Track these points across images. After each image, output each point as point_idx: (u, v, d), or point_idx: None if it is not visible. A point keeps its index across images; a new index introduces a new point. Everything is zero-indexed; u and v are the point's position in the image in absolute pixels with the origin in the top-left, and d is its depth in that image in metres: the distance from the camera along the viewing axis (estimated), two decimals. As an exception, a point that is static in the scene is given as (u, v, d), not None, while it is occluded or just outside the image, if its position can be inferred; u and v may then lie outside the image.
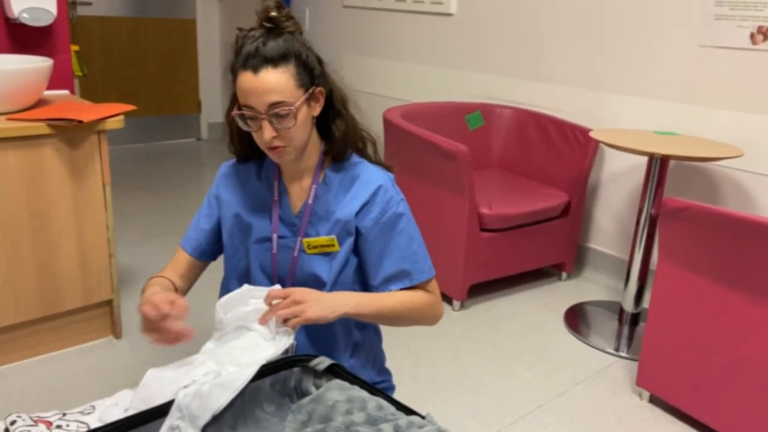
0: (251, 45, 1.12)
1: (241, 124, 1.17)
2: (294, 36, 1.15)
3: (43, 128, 1.88)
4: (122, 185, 3.92)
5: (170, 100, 5.11)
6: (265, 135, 1.14)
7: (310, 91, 1.17)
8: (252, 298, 1.17)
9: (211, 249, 1.38)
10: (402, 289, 1.27)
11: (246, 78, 1.11)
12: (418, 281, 1.28)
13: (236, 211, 1.31)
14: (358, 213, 1.24)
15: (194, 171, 4.46)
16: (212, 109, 5.33)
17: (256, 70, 1.10)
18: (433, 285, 1.32)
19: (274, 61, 1.11)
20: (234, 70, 1.14)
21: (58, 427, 1.02)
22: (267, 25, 1.14)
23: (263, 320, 1.13)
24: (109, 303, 2.22)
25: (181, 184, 4.11)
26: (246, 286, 1.18)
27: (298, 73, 1.14)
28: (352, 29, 4.04)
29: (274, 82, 1.11)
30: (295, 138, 1.17)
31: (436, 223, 2.59)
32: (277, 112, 1.12)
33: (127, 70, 4.81)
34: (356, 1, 3.94)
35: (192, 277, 1.38)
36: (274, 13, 1.14)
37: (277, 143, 1.16)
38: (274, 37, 1.13)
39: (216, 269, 1.44)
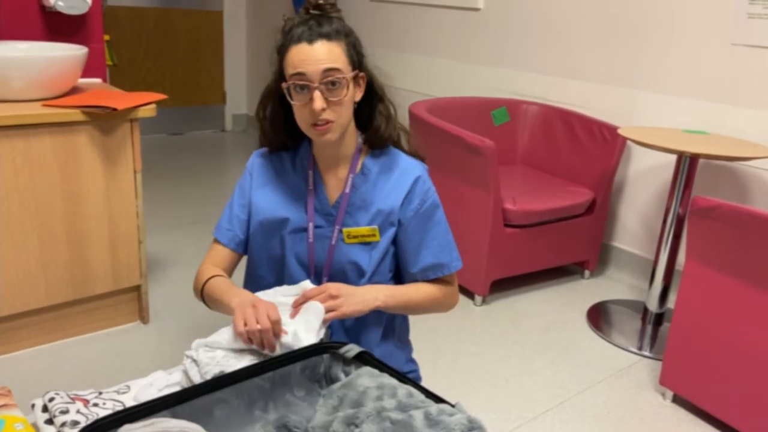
0: (304, 25, 1.15)
1: (288, 96, 1.17)
2: (341, 22, 1.20)
3: (77, 115, 1.92)
4: (146, 174, 3.96)
5: (196, 91, 5.16)
6: (317, 104, 1.14)
7: (356, 72, 1.20)
8: (283, 296, 1.18)
9: (248, 240, 1.37)
10: (435, 279, 1.31)
11: (300, 48, 1.14)
12: (452, 270, 1.32)
13: (269, 201, 1.31)
14: (402, 204, 1.26)
15: (218, 162, 4.51)
16: (237, 100, 5.37)
17: (311, 41, 1.14)
18: (455, 275, 1.37)
19: (329, 35, 1.15)
20: (283, 49, 1.17)
21: (95, 405, 1.05)
22: (314, 12, 1.18)
23: (294, 315, 1.14)
24: (137, 288, 2.26)
25: (205, 175, 4.15)
26: (282, 287, 1.19)
27: (349, 51, 1.18)
28: (379, 23, 4.04)
29: (328, 51, 1.14)
30: (342, 114, 1.18)
31: (460, 217, 2.59)
32: (331, 80, 1.14)
33: (154, 60, 4.86)
34: (383, -6, 3.95)
35: (231, 271, 1.38)
36: (321, 1, 1.18)
37: (325, 116, 1.16)
38: (326, 20, 1.17)
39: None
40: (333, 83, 1.14)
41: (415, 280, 1.31)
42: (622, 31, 2.83)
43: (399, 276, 1.36)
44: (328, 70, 1.13)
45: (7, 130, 1.83)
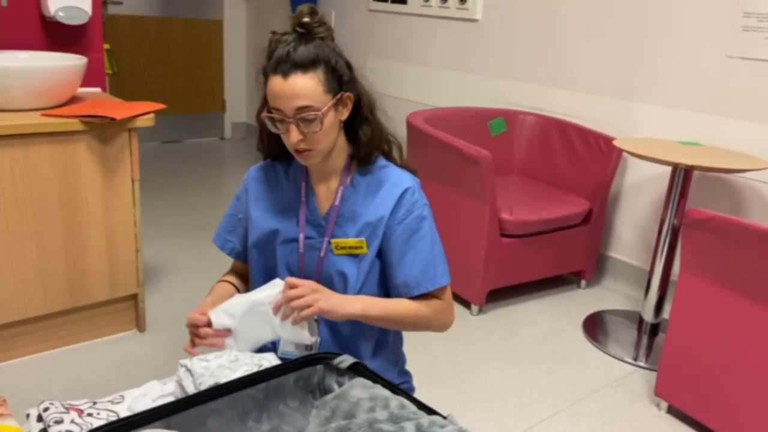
0: (283, 50, 1.15)
1: (269, 126, 1.20)
2: (325, 42, 1.18)
3: (76, 124, 1.93)
4: (145, 182, 3.98)
5: (195, 99, 5.18)
6: (292, 138, 1.17)
7: (338, 96, 1.19)
8: (258, 300, 1.18)
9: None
10: (420, 295, 1.28)
11: (276, 82, 1.15)
12: (438, 285, 1.28)
13: (263, 213, 1.33)
14: (390, 214, 1.26)
15: (217, 169, 4.52)
16: (236, 108, 5.39)
17: (285, 74, 1.14)
18: (447, 291, 1.33)
19: (304, 66, 1.14)
20: (265, 74, 1.18)
21: (89, 414, 1.05)
22: (299, 30, 1.17)
23: (276, 307, 1.14)
24: (134, 297, 2.26)
25: (204, 182, 4.16)
26: (255, 292, 1.19)
27: (326, 78, 1.16)
28: (377, 33, 4.07)
29: (302, 87, 1.14)
30: (320, 142, 1.19)
31: (456, 227, 2.60)
32: (303, 117, 1.15)
33: (154, 68, 4.89)
34: (382, 5, 3.97)
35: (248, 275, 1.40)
36: (306, 19, 1.17)
37: (303, 146, 1.19)
38: (305, 42, 1.16)
39: (226, 263, 1.46)
40: (305, 120, 1.16)
41: (400, 296, 1.29)
42: (619, 42, 2.85)
43: (389, 294, 1.35)
44: (301, 108, 1.14)
45: (6, 140, 1.84)
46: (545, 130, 3.06)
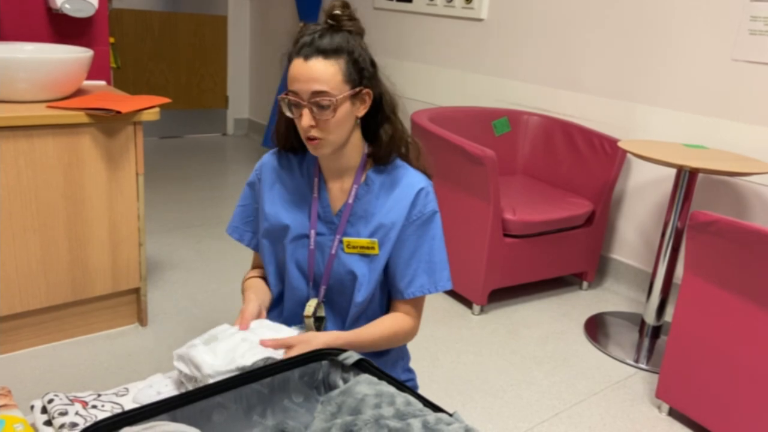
0: (309, 36, 1.16)
1: (285, 109, 1.20)
2: (352, 35, 1.19)
3: (81, 117, 1.93)
4: (147, 176, 3.98)
5: (198, 95, 5.18)
6: (304, 122, 1.16)
7: (357, 90, 1.19)
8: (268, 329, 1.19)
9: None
10: (407, 300, 1.30)
11: (296, 64, 1.15)
12: (442, 289, 1.30)
13: (275, 206, 1.32)
14: (406, 217, 1.26)
15: (219, 165, 4.52)
16: (239, 105, 5.39)
17: (307, 57, 1.15)
18: (422, 304, 1.34)
19: (326, 52, 1.15)
20: (289, 58, 1.19)
21: (94, 407, 1.05)
22: (329, 22, 1.19)
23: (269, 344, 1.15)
24: (136, 291, 2.26)
25: (205, 178, 4.16)
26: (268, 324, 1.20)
27: (347, 69, 1.17)
28: (382, 32, 4.06)
29: (321, 71, 1.14)
30: (332, 132, 1.18)
31: (459, 226, 2.60)
32: (318, 102, 1.15)
33: (158, 63, 4.88)
34: (387, 3, 3.96)
35: None
36: (337, 11, 1.19)
37: (314, 133, 1.17)
38: (333, 33, 1.17)
39: (243, 253, 1.46)
40: (319, 105, 1.15)
41: (400, 296, 1.30)
42: (624, 44, 2.85)
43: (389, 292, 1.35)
44: (317, 93, 1.14)
45: (11, 131, 1.84)
46: (549, 130, 3.06)
